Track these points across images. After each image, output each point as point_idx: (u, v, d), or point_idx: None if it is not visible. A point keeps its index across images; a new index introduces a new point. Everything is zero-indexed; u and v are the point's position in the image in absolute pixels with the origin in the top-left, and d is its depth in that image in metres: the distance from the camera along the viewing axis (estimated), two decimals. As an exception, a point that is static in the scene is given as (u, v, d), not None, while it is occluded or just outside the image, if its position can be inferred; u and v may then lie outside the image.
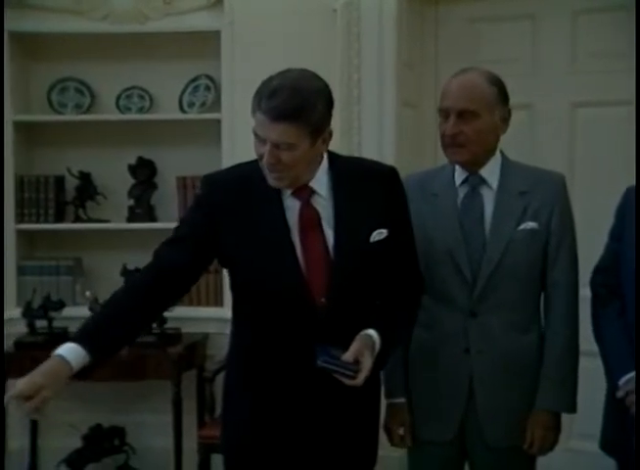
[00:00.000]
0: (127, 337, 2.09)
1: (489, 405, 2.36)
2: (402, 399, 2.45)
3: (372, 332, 2.06)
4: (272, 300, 2.10)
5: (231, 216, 2.11)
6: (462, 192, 2.41)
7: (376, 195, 2.14)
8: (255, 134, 2.01)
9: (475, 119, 2.31)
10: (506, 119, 2.38)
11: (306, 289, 2.08)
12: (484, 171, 2.40)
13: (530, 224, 2.35)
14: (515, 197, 2.37)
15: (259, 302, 2.12)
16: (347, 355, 1.98)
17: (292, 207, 2.11)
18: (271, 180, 2.06)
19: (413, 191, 2.42)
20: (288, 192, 2.11)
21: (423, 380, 2.43)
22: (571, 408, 2.41)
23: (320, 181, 2.12)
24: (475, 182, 2.40)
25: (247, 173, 2.15)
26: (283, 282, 2.08)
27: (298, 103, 1.96)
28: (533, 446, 2.37)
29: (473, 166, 2.39)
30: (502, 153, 2.46)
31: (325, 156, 2.15)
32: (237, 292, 2.20)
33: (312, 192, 2.12)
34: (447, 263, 2.37)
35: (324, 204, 2.12)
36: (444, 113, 2.35)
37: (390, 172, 2.20)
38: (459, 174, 2.42)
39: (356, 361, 1.98)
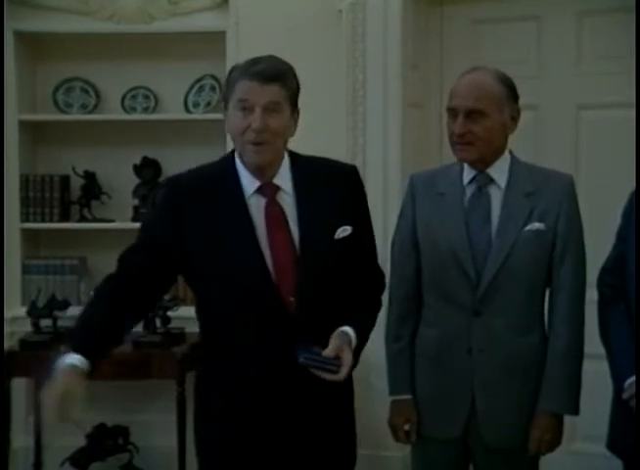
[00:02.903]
0: (114, 341, 2.15)
1: (489, 406, 2.36)
2: (408, 396, 2.46)
3: (348, 329, 2.11)
4: (242, 301, 2.09)
5: (197, 218, 2.10)
6: (469, 191, 2.40)
7: (339, 192, 2.17)
8: (240, 105, 2.06)
9: (483, 119, 2.30)
10: (515, 119, 2.37)
11: (275, 288, 2.08)
12: (492, 170, 2.38)
13: (537, 225, 2.34)
14: (522, 197, 2.36)
15: (229, 304, 2.10)
16: (328, 351, 2.02)
17: (256, 205, 2.12)
18: (254, 155, 2.07)
19: (418, 190, 2.46)
20: (252, 189, 2.12)
21: (428, 378, 2.43)
22: (573, 410, 2.40)
23: (284, 178, 2.15)
24: (482, 181, 2.39)
25: (211, 174, 2.17)
26: (252, 282, 2.08)
27: (282, 68, 2.11)
28: (534, 447, 2.36)
29: (480, 165, 2.38)
30: (511, 153, 2.44)
31: (286, 153, 2.18)
32: (205, 297, 2.17)
33: (277, 188, 2.14)
34: (452, 263, 2.36)
35: (289, 201, 2.14)
36: (453, 112, 2.34)
37: (353, 170, 2.26)
38: (467, 173, 2.41)
39: (337, 357, 2.02)
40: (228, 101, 2.11)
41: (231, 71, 2.13)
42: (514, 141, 2.46)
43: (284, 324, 2.08)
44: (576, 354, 2.38)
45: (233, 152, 2.20)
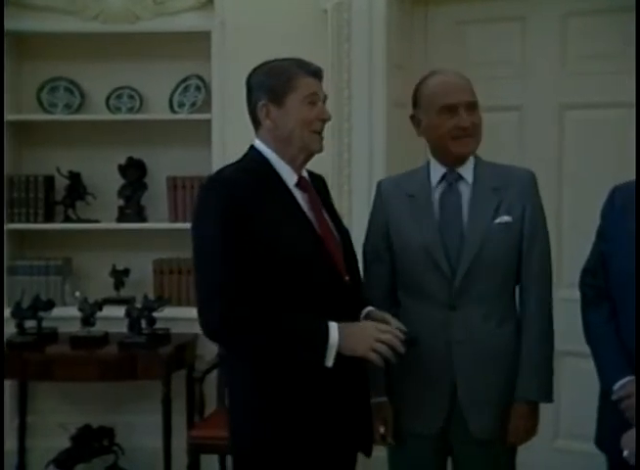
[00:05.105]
0: None
1: (472, 397, 2.39)
2: (384, 399, 2.49)
3: (372, 308, 2.33)
4: (313, 286, 2.17)
5: (259, 214, 2.14)
6: (440, 189, 2.46)
7: (325, 191, 2.42)
8: (310, 99, 2.21)
9: (477, 110, 2.43)
10: None
11: (338, 270, 2.22)
12: (461, 168, 2.45)
13: (505, 218, 2.40)
14: (489, 192, 2.42)
15: (300, 291, 2.16)
16: (397, 325, 2.23)
17: (299, 195, 2.25)
18: (319, 144, 2.25)
19: (387, 193, 2.54)
20: (292, 182, 2.25)
21: (407, 375, 2.45)
22: (547, 397, 2.42)
23: (304, 171, 2.33)
24: (452, 178, 2.45)
25: (250, 170, 2.23)
26: (320, 267, 2.19)
27: None
28: (511, 436, 2.38)
29: (455, 162, 2.45)
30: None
31: None
32: (270, 285, 2.15)
33: (306, 180, 2.29)
34: (425, 260, 2.41)
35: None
36: (449, 108, 2.40)
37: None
38: (435, 173, 2.48)
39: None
40: (283, 96, 2.20)
41: (290, 63, 2.23)
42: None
43: (345, 301, 2.23)
44: (547, 342, 2.41)
45: (255, 150, 2.27)
